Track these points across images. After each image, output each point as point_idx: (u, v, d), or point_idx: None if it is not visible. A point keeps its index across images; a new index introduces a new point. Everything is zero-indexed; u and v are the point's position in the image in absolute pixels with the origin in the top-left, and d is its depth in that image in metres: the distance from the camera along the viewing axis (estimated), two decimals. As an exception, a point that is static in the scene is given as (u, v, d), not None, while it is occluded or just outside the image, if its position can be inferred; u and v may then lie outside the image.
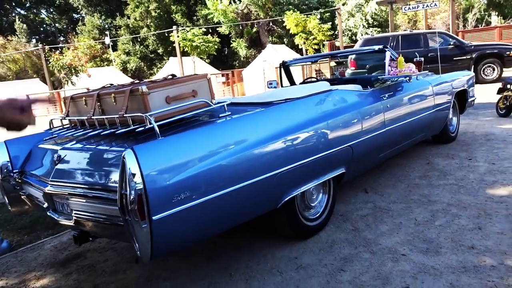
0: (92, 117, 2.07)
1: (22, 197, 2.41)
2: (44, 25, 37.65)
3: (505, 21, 23.49)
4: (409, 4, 14.36)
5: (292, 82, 4.37)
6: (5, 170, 2.44)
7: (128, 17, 30.86)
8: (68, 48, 21.16)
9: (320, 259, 2.20)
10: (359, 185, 3.32)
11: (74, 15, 36.74)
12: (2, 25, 33.18)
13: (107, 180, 1.78)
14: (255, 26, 26.41)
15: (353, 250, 2.25)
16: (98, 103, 2.07)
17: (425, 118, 3.52)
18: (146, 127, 1.78)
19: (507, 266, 1.92)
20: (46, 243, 2.94)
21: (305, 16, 19.16)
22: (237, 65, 28.65)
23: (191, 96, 2.02)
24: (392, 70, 3.20)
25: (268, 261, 2.23)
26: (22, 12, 35.53)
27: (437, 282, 1.86)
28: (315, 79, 4.12)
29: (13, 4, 34.15)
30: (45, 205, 2.11)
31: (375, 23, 24.18)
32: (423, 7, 13.62)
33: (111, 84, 2.33)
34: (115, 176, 1.73)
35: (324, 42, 18.89)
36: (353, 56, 9.02)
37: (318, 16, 19.59)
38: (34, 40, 34.46)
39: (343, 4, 23.46)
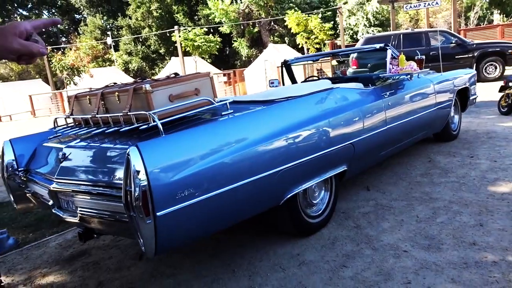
0: (96, 116, 2.09)
1: (27, 195, 2.44)
2: (46, 26, 37.71)
3: (507, 19, 23.40)
4: (411, 3, 14.34)
5: (293, 81, 4.38)
6: (11, 169, 2.47)
7: (130, 18, 30.93)
8: (70, 49, 21.26)
9: (322, 255, 2.21)
10: (361, 182, 3.33)
11: (76, 15, 36.85)
12: (4, 26, 33.26)
13: (112, 177, 1.81)
14: (257, 25, 26.44)
15: (355, 247, 2.26)
16: (102, 102, 2.09)
17: (426, 116, 3.53)
18: (150, 125, 1.80)
19: (508, 262, 1.93)
20: (51, 241, 2.97)
21: (307, 15, 19.17)
22: (238, 64, 28.66)
23: (193, 94, 2.04)
24: (393, 68, 3.21)
25: (271, 258, 2.25)
26: (24, 13, 35.67)
27: (438, 277, 1.87)
28: (316, 78, 4.13)
29: (15, 5, 34.29)
30: (50, 202, 2.13)
31: (376, 22, 24.14)
32: (424, 6, 13.60)
33: (115, 83, 2.35)
34: (119, 173, 1.75)
35: (325, 42, 18.89)
36: (355, 55, 9.03)
37: (320, 16, 19.57)
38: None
39: (345, 3, 23.43)
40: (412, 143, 3.74)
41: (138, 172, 1.53)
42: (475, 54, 9.78)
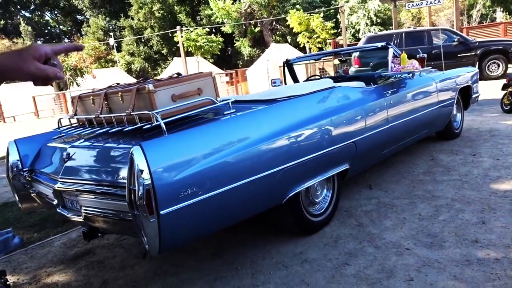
0: (100, 116, 2.11)
1: (32, 195, 2.46)
2: (49, 27, 37.97)
3: (510, 17, 23.30)
4: (413, 1, 14.30)
5: (295, 81, 4.39)
6: (15, 169, 2.49)
7: (132, 18, 31.03)
8: (73, 50, 21.27)
9: (325, 253, 2.23)
10: (363, 181, 3.34)
11: (78, 16, 37.02)
12: (7, 27, 33.50)
13: (115, 176, 1.83)
14: (259, 25, 26.44)
15: (358, 245, 2.27)
16: (106, 102, 2.11)
17: (428, 115, 3.53)
18: (153, 124, 1.82)
19: (511, 259, 1.93)
20: (56, 240, 3.00)
21: (308, 14, 19.16)
22: (240, 64, 28.69)
23: (196, 94, 2.05)
24: (395, 66, 3.22)
25: (274, 256, 2.27)
26: (27, 14, 35.86)
27: (440, 275, 1.88)
28: (318, 77, 4.14)
29: (18, 6, 34.46)
30: (55, 202, 2.16)
31: (378, 21, 24.10)
32: (426, 4, 13.57)
33: (118, 83, 2.37)
34: (123, 173, 1.77)
35: (327, 41, 18.88)
36: (357, 54, 9.03)
37: (321, 15, 19.56)
38: (39, 42, 34.75)
39: (346, 2, 23.40)
40: (415, 142, 3.74)
41: (141, 171, 1.55)
42: (478, 52, 9.74)
